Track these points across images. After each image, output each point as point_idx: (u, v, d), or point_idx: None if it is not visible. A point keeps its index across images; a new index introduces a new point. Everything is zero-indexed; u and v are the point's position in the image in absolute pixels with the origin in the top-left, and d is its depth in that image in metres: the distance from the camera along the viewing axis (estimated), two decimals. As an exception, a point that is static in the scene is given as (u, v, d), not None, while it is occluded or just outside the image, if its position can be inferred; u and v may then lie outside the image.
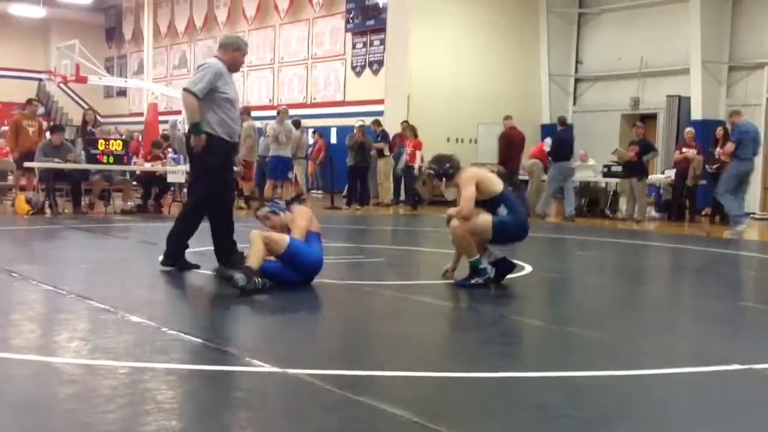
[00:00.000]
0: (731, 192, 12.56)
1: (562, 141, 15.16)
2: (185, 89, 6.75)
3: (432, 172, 6.78)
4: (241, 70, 23.48)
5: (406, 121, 18.28)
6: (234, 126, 6.95)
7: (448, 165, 6.72)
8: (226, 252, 6.96)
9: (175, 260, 6.92)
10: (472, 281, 6.55)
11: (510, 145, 15.32)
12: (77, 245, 9.47)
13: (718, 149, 14.93)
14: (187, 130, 7.03)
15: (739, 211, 12.68)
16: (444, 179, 6.70)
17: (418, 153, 16.81)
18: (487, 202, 6.50)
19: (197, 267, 6.91)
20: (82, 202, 13.22)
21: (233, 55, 7.03)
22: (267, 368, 3.86)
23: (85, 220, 11.93)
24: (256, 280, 5.86)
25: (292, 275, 6.18)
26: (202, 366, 3.92)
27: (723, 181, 12.79)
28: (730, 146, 12.68)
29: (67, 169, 12.85)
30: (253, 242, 6.00)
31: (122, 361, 3.92)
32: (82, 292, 5.75)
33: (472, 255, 6.55)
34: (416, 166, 16.73)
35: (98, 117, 17.04)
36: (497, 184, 6.58)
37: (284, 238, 6.12)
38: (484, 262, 6.56)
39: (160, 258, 6.96)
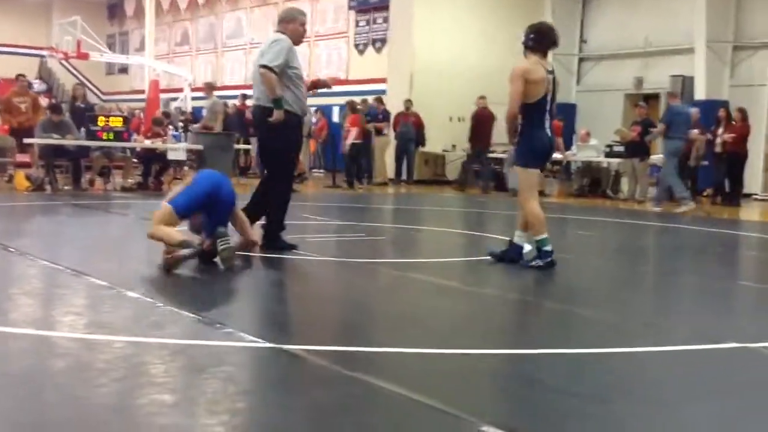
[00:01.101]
0: (676, 171, 13.55)
1: None
2: (264, 66, 6.65)
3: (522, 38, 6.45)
4: (243, 47, 23.18)
5: (409, 99, 18.22)
6: (304, 102, 6.96)
7: (532, 35, 6.42)
8: (253, 216, 6.98)
9: (276, 242, 6.88)
10: (533, 263, 6.32)
11: (480, 124, 16.27)
12: (76, 222, 9.46)
13: (721, 131, 14.89)
14: (252, 110, 7.04)
15: (683, 190, 13.55)
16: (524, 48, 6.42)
17: (353, 131, 16.63)
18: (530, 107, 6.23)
19: (295, 247, 6.88)
20: (82, 179, 13.20)
21: (294, 27, 6.95)
22: (261, 343, 3.85)
23: (85, 197, 11.91)
24: (195, 245, 5.82)
25: (214, 218, 6.06)
26: (196, 341, 3.91)
27: (664, 163, 13.80)
28: (661, 127, 13.64)
29: (67, 145, 12.82)
30: (157, 230, 5.95)
31: (117, 336, 3.91)
32: (80, 268, 5.74)
33: (539, 233, 6.29)
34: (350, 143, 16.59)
35: (98, 93, 16.96)
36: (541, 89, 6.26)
37: (165, 209, 6.02)
38: (550, 244, 6.29)
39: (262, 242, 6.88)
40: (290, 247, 6.92)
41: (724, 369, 3.85)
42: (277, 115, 6.66)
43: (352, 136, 16.43)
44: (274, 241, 6.92)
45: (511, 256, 6.52)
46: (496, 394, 3.39)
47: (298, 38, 7.00)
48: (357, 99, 17.93)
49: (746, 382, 3.63)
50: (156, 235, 5.92)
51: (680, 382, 3.62)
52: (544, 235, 6.31)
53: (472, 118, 16.81)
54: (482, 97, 16.63)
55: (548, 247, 6.32)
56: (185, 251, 5.72)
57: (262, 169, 15.75)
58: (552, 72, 6.36)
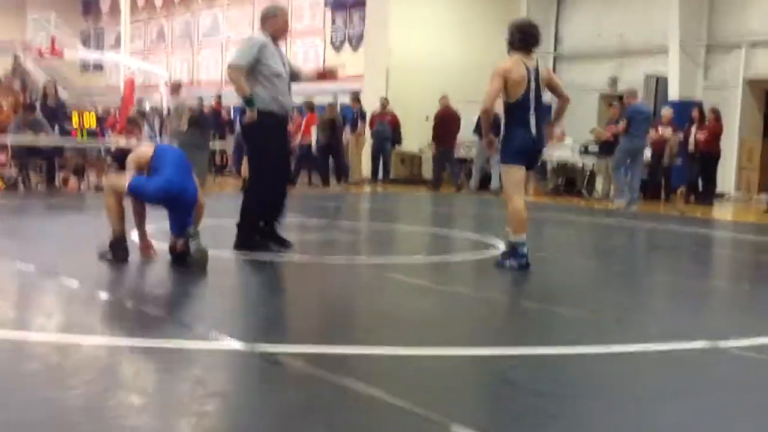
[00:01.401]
0: (622, 167, 13.92)
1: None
2: (229, 65, 6.70)
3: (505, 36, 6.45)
4: (219, 45, 23.04)
5: (385, 98, 18.23)
6: (285, 99, 6.86)
7: (515, 34, 6.42)
8: (272, 221, 7.00)
9: (249, 242, 6.85)
10: (507, 264, 6.32)
11: (443, 123, 16.68)
12: (49, 221, 9.38)
13: (694, 130, 15.03)
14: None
15: (624, 187, 13.89)
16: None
17: (312, 128, 16.79)
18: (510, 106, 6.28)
19: (268, 247, 6.83)
20: (56, 178, 13.08)
21: (272, 23, 6.91)
22: (234, 344, 3.84)
23: (58, 196, 11.82)
24: (122, 246, 6.03)
25: (176, 216, 6.07)
26: (167, 342, 3.89)
27: (615, 157, 14.06)
28: (621, 125, 13.83)
29: (41, 144, 12.70)
30: (106, 204, 6.09)
31: (87, 337, 3.89)
32: (51, 268, 5.69)
33: (517, 233, 6.30)
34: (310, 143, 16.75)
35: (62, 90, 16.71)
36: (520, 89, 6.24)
37: (122, 183, 6.05)
38: (527, 246, 6.30)
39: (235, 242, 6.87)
40: (264, 248, 6.90)
41: (694, 368, 3.89)
42: (249, 114, 6.65)
43: (311, 135, 16.45)
44: (248, 241, 6.90)
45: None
46: (468, 394, 3.40)
47: (279, 33, 6.98)
48: (331, 97, 17.94)
49: (715, 381, 3.67)
50: (107, 209, 6.08)
51: (650, 380, 3.65)
52: (522, 237, 6.32)
53: (435, 117, 17.04)
54: (444, 97, 17.01)
55: (524, 249, 6.33)
56: (102, 252, 6.02)
57: (237, 168, 15.73)
58: (536, 70, 6.34)
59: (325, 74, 7.37)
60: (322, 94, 19.53)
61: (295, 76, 7.04)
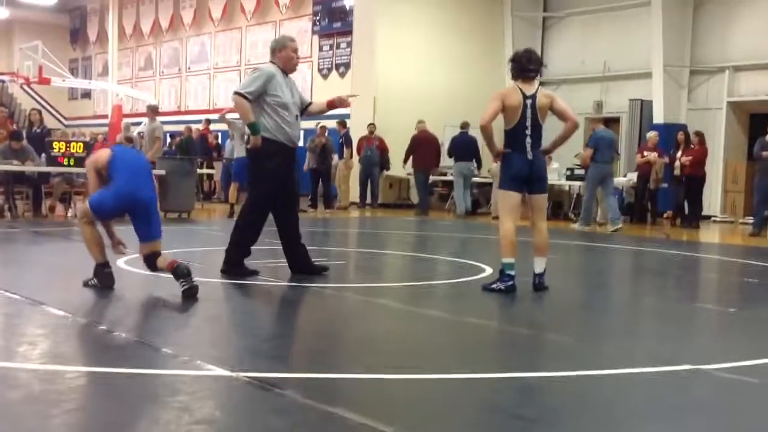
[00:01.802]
0: (593, 194, 14.33)
1: (459, 143, 16.72)
2: (235, 92, 6.80)
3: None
4: (207, 72, 23.20)
5: (373, 124, 18.32)
6: (292, 130, 6.94)
7: (510, 63, 6.73)
8: (293, 252, 7.08)
9: (237, 267, 6.91)
10: (494, 286, 6.48)
11: (420, 147, 17.06)
12: (35, 249, 9.35)
13: (679, 154, 15.15)
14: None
15: (589, 214, 14.29)
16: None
17: None
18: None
19: (256, 273, 6.91)
20: (43, 206, 13.05)
21: (282, 55, 7.05)
22: (217, 371, 3.83)
23: (45, 224, 11.78)
24: (105, 272, 6.10)
25: (140, 223, 6.11)
26: (152, 370, 3.88)
27: (586, 185, 14.44)
28: (588, 152, 14.11)
29: (27, 171, 12.68)
30: (82, 233, 6.20)
31: (70, 366, 3.87)
32: (36, 296, 5.67)
33: (504, 255, 6.46)
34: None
35: (61, 118, 16.73)
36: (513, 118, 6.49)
37: (85, 206, 6.16)
38: (514, 269, 6.42)
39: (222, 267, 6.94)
40: (251, 273, 6.90)
41: (677, 391, 3.90)
42: (253, 140, 6.78)
43: None
44: (235, 266, 6.90)
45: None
46: (454, 419, 3.40)
47: (290, 65, 7.08)
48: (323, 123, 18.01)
49: (697, 404, 3.68)
50: (84, 239, 6.16)
51: (634, 404, 3.66)
52: (511, 260, 6.45)
53: (411, 140, 17.34)
54: (421, 122, 17.37)
55: (511, 272, 6.44)
56: (88, 279, 6.14)
57: (226, 194, 15.74)
58: (533, 97, 6.49)
59: (336, 104, 7.41)
60: (308, 119, 19.65)
61: (305, 107, 7.18)
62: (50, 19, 32.28)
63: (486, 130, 6.48)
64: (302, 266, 7.09)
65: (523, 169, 6.51)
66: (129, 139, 17.10)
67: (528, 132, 6.50)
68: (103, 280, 6.10)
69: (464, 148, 16.60)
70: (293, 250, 7.15)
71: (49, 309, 5.25)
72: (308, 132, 18.58)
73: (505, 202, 6.61)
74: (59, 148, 12.82)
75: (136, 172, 6.07)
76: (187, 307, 5.72)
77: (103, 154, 6.17)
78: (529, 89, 6.52)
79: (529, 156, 6.51)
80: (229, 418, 3.30)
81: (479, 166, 17.05)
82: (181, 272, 5.82)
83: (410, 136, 18.82)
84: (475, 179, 18.00)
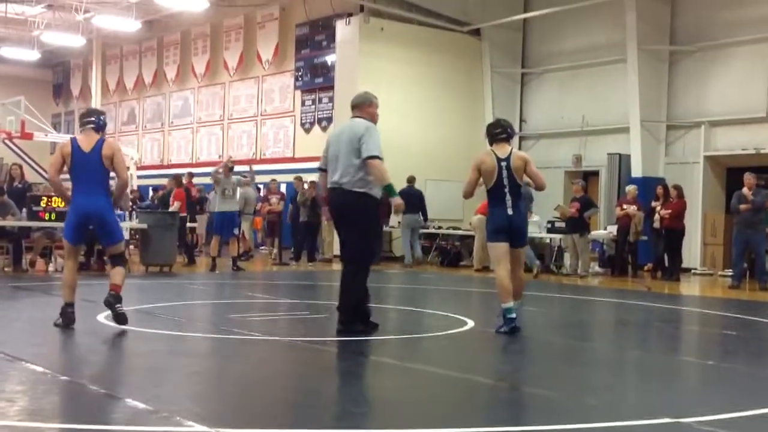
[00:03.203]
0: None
1: (405, 196, 16.87)
2: (375, 157, 6.86)
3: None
4: (190, 126, 23.18)
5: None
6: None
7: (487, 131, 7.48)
8: (354, 308, 6.97)
9: (365, 322, 6.93)
10: (501, 329, 7.06)
11: (406, 203, 17.09)
12: (15, 304, 9.27)
13: (658, 207, 15.32)
14: (332, 193, 7.03)
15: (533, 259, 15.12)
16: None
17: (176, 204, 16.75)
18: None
19: (377, 327, 7.06)
20: (23, 260, 12.98)
21: (370, 110, 7.21)
22: (197, 428, 3.80)
23: (25, 279, 11.71)
24: (66, 312, 6.93)
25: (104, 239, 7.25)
26: (131, 426, 3.85)
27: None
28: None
29: (8, 226, 12.64)
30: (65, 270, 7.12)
31: (49, 423, 3.84)
32: (14, 352, 5.62)
33: (504, 301, 7.05)
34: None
35: (43, 173, 16.69)
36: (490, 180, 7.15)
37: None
38: (513, 312, 7.06)
39: (338, 327, 6.89)
40: (374, 327, 6.99)
41: (657, 444, 3.91)
42: (396, 202, 7.00)
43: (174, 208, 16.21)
44: (354, 323, 6.89)
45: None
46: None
47: (375, 120, 7.26)
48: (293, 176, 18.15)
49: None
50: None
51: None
52: (510, 304, 7.08)
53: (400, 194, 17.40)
54: (410, 179, 17.63)
55: (513, 315, 7.09)
56: (57, 321, 6.87)
57: (208, 246, 15.66)
58: (507, 159, 7.16)
59: None
60: (289, 173, 19.75)
61: None
62: (33, 74, 32.43)
63: (466, 198, 7.43)
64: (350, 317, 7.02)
65: (504, 224, 7.17)
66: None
67: (506, 190, 7.16)
68: (64, 319, 6.89)
69: (410, 201, 16.93)
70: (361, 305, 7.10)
71: (28, 365, 5.20)
72: (289, 185, 18.70)
73: (495, 253, 7.27)
74: (46, 203, 12.79)
75: (87, 183, 6.99)
76: (168, 362, 5.69)
77: (62, 149, 7.05)
78: (503, 152, 7.22)
79: (510, 211, 7.14)
80: (209, 476, 3.27)
81: (425, 219, 17.66)
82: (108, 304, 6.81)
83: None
84: (458, 232, 18.08)
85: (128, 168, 20.11)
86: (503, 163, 7.15)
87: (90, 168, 6.94)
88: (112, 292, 6.98)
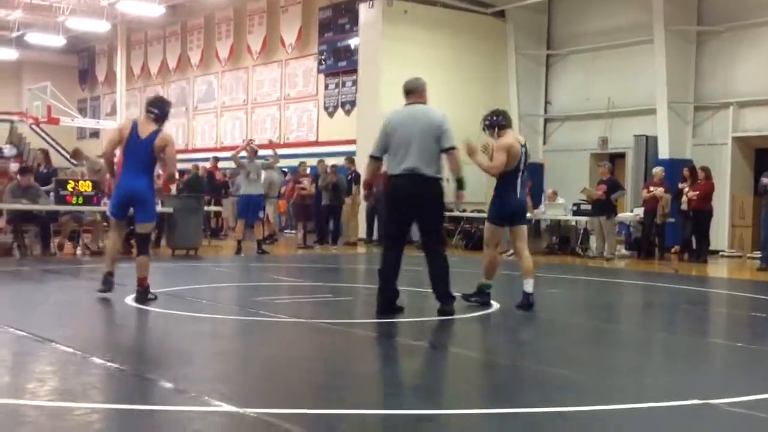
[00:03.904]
0: None
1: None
2: (455, 148, 6.92)
3: (486, 122, 7.54)
4: (214, 110, 23.11)
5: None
6: None
7: (500, 117, 7.52)
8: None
9: (452, 298, 7.02)
10: (472, 299, 7.52)
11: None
12: (44, 287, 9.38)
13: (686, 189, 15.17)
14: (411, 178, 6.90)
15: None
16: (496, 129, 7.46)
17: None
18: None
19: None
20: (51, 244, 13.11)
21: (425, 96, 7.21)
22: (225, 407, 3.83)
23: (53, 262, 11.83)
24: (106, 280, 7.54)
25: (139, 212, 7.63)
26: (159, 406, 3.89)
27: None
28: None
29: (36, 210, 12.76)
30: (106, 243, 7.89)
31: (79, 402, 3.88)
32: (45, 334, 5.69)
33: (488, 278, 7.51)
34: None
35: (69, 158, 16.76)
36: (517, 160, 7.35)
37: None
38: (491, 288, 7.58)
39: (442, 307, 6.95)
40: (400, 310, 7.05)
41: (685, 426, 3.89)
42: (463, 195, 7.11)
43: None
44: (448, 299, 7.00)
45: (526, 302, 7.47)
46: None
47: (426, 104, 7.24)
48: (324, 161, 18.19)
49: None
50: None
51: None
52: (490, 282, 7.59)
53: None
54: None
55: (489, 291, 7.61)
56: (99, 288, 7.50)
57: (251, 229, 15.80)
58: (524, 145, 7.50)
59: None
60: (315, 157, 19.76)
61: None
62: (59, 60, 32.66)
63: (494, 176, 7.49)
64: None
65: (514, 209, 7.49)
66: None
67: (520, 174, 7.45)
68: (103, 287, 7.50)
69: None
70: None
71: (57, 346, 5.26)
72: (314, 168, 18.72)
73: (494, 234, 7.63)
74: (72, 187, 12.90)
75: (131, 167, 7.53)
76: (195, 344, 5.74)
77: (121, 130, 7.69)
78: (521, 138, 7.62)
79: (518, 195, 7.48)
80: (238, 454, 3.30)
81: None
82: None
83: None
84: (482, 215, 18.01)
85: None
86: (523, 148, 7.45)
87: (140, 153, 7.45)
88: (139, 288, 7.43)
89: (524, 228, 7.64)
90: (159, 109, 7.64)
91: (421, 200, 6.90)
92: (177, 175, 8.05)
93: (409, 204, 6.92)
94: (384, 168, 7.41)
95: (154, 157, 7.51)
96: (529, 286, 7.42)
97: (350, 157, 18.38)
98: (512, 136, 7.48)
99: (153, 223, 7.80)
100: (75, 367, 4.78)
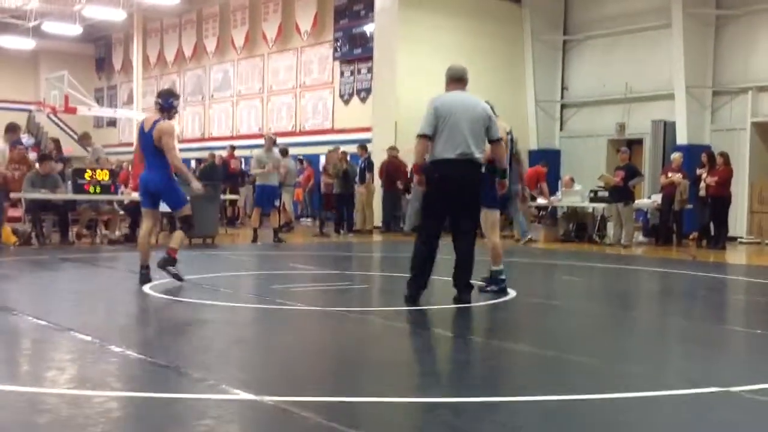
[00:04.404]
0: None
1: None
2: (501, 139, 7.08)
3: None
4: (230, 99, 23.15)
5: (394, 147, 18.39)
6: None
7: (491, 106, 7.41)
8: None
9: (471, 287, 7.08)
10: (488, 288, 7.50)
11: (393, 171, 17.81)
12: (63, 276, 9.44)
13: (704, 175, 15.05)
14: (465, 166, 6.92)
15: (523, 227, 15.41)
16: None
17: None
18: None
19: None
20: (70, 233, 13.19)
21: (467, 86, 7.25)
22: (242, 395, 3.85)
23: (72, 251, 11.90)
24: (142, 272, 7.85)
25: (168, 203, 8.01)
26: (178, 394, 3.90)
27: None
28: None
29: (54, 199, 12.83)
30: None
31: (98, 390, 3.90)
32: (64, 323, 5.73)
33: (495, 263, 7.53)
34: None
35: (89, 146, 16.76)
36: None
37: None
38: (503, 273, 7.56)
39: (460, 296, 6.98)
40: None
41: (704, 413, 3.86)
42: (505, 184, 7.26)
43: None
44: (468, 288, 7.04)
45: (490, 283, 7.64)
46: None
47: None
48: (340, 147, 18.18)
49: (720, 425, 3.64)
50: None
51: (659, 427, 3.63)
52: (501, 267, 7.59)
53: (381, 165, 17.94)
54: (392, 148, 17.96)
55: (503, 276, 7.58)
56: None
57: (267, 218, 15.85)
58: (510, 132, 7.69)
59: None
60: (328, 144, 19.75)
61: None
62: (76, 49, 32.77)
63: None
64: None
65: (507, 192, 7.60)
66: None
67: (508, 160, 7.51)
68: (140, 278, 7.77)
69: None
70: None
71: (76, 334, 5.30)
72: (313, 158, 18.74)
73: (493, 218, 7.60)
74: (90, 176, 12.97)
75: (150, 164, 7.86)
76: (212, 332, 5.76)
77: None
78: (507, 126, 7.68)
79: (507, 181, 7.43)
80: (255, 442, 3.31)
81: None
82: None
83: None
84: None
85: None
86: (509, 136, 7.66)
87: (147, 144, 7.73)
88: (166, 255, 7.83)
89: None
90: (163, 100, 7.82)
91: (472, 185, 6.96)
92: (182, 166, 8.03)
93: (460, 188, 6.90)
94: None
95: (160, 148, 7.63)
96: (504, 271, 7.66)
97: (363, 145, 18.35)
98: (498, 125, 7.40)
99: (184, 206, 8.00)
100: (93, 355, 4.81)
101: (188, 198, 8.19)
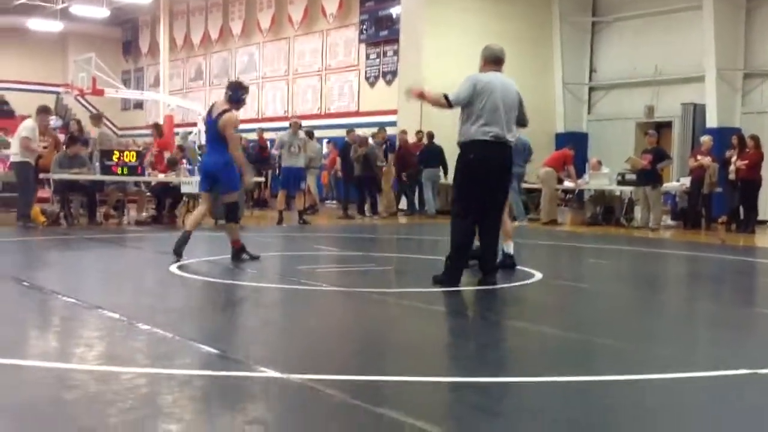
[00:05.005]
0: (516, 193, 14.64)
1: (427, 152, 17.90)
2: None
3: None
4: (256, 81, 23.24)
5: (420, 130, 18.32)
6: None
7: None
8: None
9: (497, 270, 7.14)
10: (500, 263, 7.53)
11: (403, 154, 18.05)
12: (90, 255, 9.53)
13: (734, 158, 14.86)
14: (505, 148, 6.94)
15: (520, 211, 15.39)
16: None
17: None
18: None
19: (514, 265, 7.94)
20: (97, 213, 13.31)
21: None
22: (270, 374, 3.86)
23: (99, 231, 12.01)
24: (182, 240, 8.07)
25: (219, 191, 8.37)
26: (206, 371, 3.93)
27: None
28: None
29: (82, 180, 12.95)
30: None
31: (126, 367, 3.94)
32: (92, 301, 5.78)
33: (506, 242, 7.80)
34: None
35: (114, 128, 16.92)
36: None
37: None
38: (511, 248, 7.92)
39: (485, 279, 6.93)
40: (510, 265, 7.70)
41: (733, 395, 3.82)
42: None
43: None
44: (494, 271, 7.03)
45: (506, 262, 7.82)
46: (500, 422, 3.38)
47: None
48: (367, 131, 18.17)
49: (749, 408, 3.60)
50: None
51: (685, 408, 3.60)
52: (510, 244, 7.95)
53: (397, 149, 18.15)
54: (403, 132, 18.35)
55: (511, 251, 7.96)
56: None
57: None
58: None
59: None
60: (354, 127, 19.71)
61: None
62: (103, 31, 32.93)
63: None
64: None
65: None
66: (181, 148, 17.39)
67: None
68: (177, 245, 7.97)
69: (432, 156, 17.70)
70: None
71: (104, 312, 5.35)
72: (339, 140, 18.73)
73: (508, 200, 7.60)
74: (118, 157, 13.08)
75: (209, 149, 8.45)
76: (240, 310, 5.79)
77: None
78: None
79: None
80: (282, 420, 3.32)
81: (446, 173, 17.31)
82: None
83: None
84: (524, 185, 17.85)
85: (196, 124, 20.30)
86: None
87: (211, 131, 8.16)
88: (233, 250, 8.28)
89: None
90: (231, 91, 8.19)
91: (502, 167, 6.90)
92: (241, 157, 8.48)
93: (493, 171, 6.82)
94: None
95: (222, 135, 7.98)
96: (509, 248, 7.92)
97: (382, 128, 18.28)
98: None
99: (234, 192, 8.36)
100: (122, 332, 4.86)
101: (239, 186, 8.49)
